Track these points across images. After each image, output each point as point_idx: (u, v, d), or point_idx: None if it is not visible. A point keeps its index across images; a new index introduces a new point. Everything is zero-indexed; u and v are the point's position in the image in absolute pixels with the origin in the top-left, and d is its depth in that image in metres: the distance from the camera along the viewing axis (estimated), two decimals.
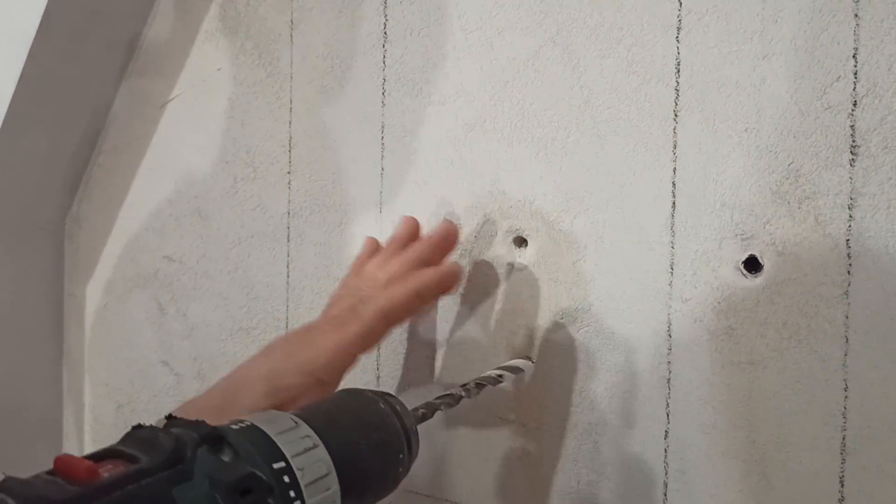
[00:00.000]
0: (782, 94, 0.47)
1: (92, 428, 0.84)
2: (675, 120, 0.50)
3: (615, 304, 0.53)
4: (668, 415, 0.51)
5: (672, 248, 0.51)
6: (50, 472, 0.31)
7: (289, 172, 0.69)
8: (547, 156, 0.55)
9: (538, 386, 0.56)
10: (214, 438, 0.34)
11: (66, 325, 0.84)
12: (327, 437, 0.37)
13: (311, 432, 0.37)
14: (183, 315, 0.76)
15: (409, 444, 0.42)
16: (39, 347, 0.83)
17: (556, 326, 0.55)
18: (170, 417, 0.36)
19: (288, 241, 0.69)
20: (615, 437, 0.53)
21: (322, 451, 0.37)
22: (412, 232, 0.59)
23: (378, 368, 0.64)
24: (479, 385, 0.50)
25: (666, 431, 0.51)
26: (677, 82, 0.50)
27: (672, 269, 0.51)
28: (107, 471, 0.31)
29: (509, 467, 0.58)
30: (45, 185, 0.80)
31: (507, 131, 0.57)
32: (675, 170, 0.50)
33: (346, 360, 0.49)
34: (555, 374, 0.55)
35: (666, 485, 0.51)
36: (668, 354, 0.51)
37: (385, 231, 0.63)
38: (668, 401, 0.51)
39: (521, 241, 0.57)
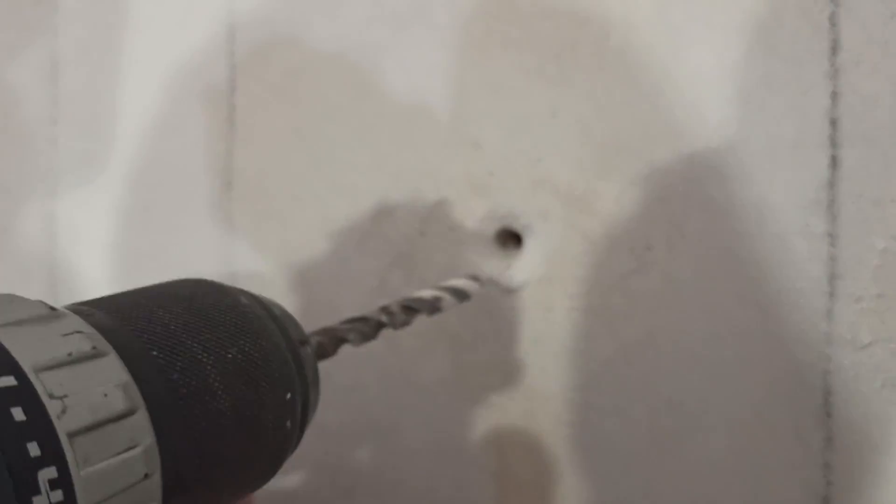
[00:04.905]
0: None
1: None
2: None
3: (713, 355, 0.27)
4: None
5: (831, 244, 0.26)
6: None
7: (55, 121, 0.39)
8: (562, 70, 0.29)
9: None
10: None
11: None
12: (129, 340, 0.16)
13: (90, 328, 0.16)
14: None
15: (304, 383, 0.19)
16: None
17: (586, 405, 0.29)
18: None
19: None
20: None
21: (114, 363, 0.15)
22: None
23: None
24: (409, 309, 0.27)
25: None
26: None
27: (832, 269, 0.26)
28: None
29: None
30: None
31: (479, 26, 0.30)
32: (832, 117, 0.26)
33: None
34: None
35: None
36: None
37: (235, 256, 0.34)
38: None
39: (509, 239, 0.30)
